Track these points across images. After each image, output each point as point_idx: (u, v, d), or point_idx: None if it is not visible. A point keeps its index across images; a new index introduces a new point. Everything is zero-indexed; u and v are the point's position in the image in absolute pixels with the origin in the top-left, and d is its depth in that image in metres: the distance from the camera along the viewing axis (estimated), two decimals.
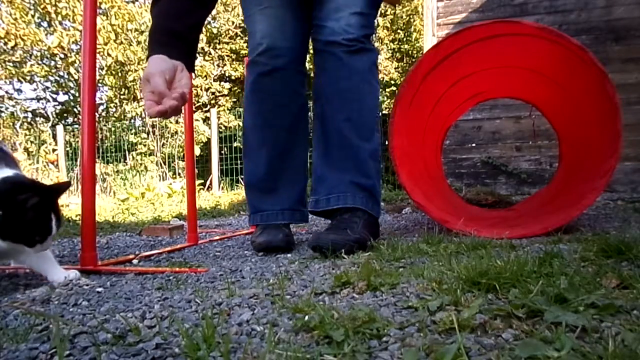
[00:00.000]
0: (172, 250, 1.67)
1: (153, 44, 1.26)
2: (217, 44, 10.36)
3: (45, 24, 9.55)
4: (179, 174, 7.50)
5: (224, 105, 10.00)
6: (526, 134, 3.90)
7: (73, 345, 0.64)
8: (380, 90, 9.03)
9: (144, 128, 8.73)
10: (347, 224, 1.43)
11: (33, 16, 8.82)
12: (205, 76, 9.77)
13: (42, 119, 10.37)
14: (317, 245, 1.32)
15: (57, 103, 11.06)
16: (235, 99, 10.23)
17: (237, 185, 6.86)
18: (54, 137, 7.98)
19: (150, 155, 8.19)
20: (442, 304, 0.71)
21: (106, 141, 8.33)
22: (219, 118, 7.95)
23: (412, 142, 2.02)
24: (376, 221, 1.59)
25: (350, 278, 0.90)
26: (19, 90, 13.52)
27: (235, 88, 10.20)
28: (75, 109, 10.78)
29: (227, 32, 10.27)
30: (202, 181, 7.01)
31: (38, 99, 10.78)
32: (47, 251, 1.14)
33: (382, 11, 9.91)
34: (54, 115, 10.62)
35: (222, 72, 10.28)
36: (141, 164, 7.95)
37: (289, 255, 1.44)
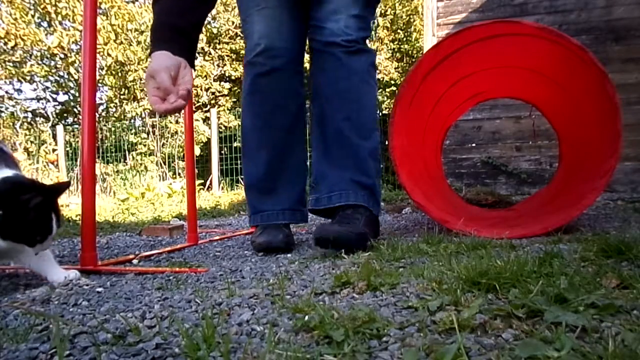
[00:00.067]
0: (172, 250, 1.67)
1: (156, 40, 1.27)
2: (217, 44, 10.35)
3: (45, 24, 9.55)
4: (179, 174, 7.50)
5: (224, 105, 9.99)
6: (526, 134, 3.90)
7: (73, 345, 0.64)
8: (380, 90, 9.04)
9: (144, 128, 8.73)
10: (349, 219, 1.44)
11: (33, 16, 8.82)
12: (205, 76, 9.76)
13: (42, 119, 10.37)
14: (321, 237, 1.31)
15: (57, 103, 11.07)
16: (235, 99, 10.23)
17: (237, 185, 6.86)
18: (54, 137, 7.99)
19: (150, 155, 8.19)
20: (442, 304, 0.71)
21: (106, 141, 8.33)
22: (219, 118, 7.95)
23: (412, 142, 2.02)
24: (377, 220, 1.60)
25: (350, 278, 0.90)
26: (19, 90, 13.52)
27: (235, 88, 10.19)
28: (75, 109, 10.78)
29: (227, 32, 10.27)
30: (202, 181, 7.01)
31: (38, 99, 10.79)
32: (46, 251, 1.14)
33: (382, 11, 9.90)
34: (54, 115, 10.61)
35: (222, 72, 10.28)
36: (141, 164, 7.95)
37: (289, 255, 1.44)
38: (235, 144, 7.40)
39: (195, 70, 1.32)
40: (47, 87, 10.48)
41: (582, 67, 1.67)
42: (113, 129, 8.65)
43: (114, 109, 10.52)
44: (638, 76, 3.63)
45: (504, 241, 1.34)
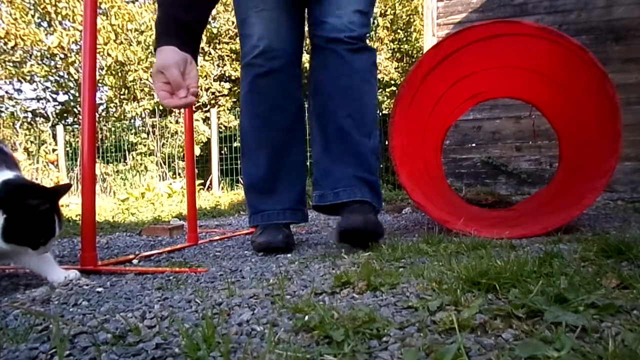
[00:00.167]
0: (172, 250, 1.67)
1: (161, 34, 1.28)
2: (217, 44, 10.35)
3: (45, 24, 9.55)
4: (179, 174, 7.50)
5: (224, 105, 9.99)
6: (526, 134, 3.90)
7: (73, 345, 0.64)
8: (380, 90, 9.03)
9: (144, 128, 8.73)
10: (362, 212, 1.44)
11: (33, 16, 8.82)
12: (205, 76, 9.76)
13: (42, 119, 10.37)
14: (346, 230, 1.35)
15: (57, 103, 11.06)
16: (235, 99, 10.22)
17: (237, 185, 6.86)
18: (54, 137, 7.99)
19: (150, 155, 8.19)
20: (442, 304, 0.71)
21: (106, 141, 8.33)
22: (219, 118, 7.94)
23: (412, 142, 2.02)
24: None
25: (350, 278, 0.90)
26: (19, 90, 13.51)
27: (235, 88, 10.18)
28: (75, 109, 10.78)
29: (227, 32, 10.27)
30: (202, 181, 7.01)
31: (38, 99, 10.78)
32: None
33: (382, 11, 9.91)
34: (54, 115, 10.61)
35: (222, 72, 10.28)
36: (141, 164, 7.95)
37: (289, 255, 1.44)
38: (235, 144, 7.40)
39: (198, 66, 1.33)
40: (47, 87, 10.48)
41: (582, 67, 1.68)
42: (113, 129, 8.65)
43: (114, 109, 10.52)
44: (638, 76, 3.63)
45: (504, 241, 1.34)
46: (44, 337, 0.68)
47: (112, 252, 1.76)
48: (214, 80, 10.10)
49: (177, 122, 8.01)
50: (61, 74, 9.97)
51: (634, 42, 3.67)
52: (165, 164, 7.81)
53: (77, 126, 9.17)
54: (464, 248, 1.24)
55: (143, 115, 9.35)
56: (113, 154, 8.20)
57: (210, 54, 10.21)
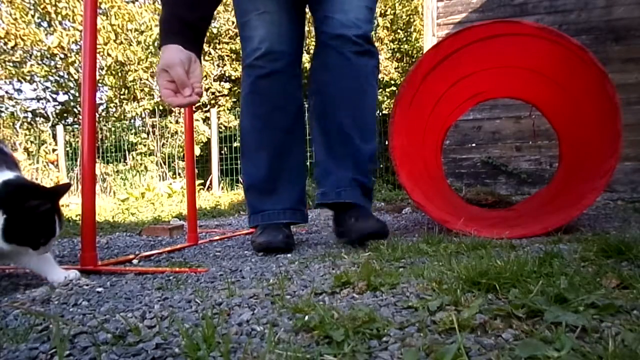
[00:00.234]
0: (172, 250, 1.67)
1: (166, 32, 1.28)
2: (217, 44, 10.35)
3: (45, 24, 9.54)
4: (179, 174, 7.50)
5: (224, 105, 9.99)
6: (526, 134, 3.90)
7: (73, 345, 0.64)
8: (380, 90, 9.03)
9: (144, 128, 8.73)
10: (368, 215, 1.53)
11: (33, 16, 8.81)
12: (205, 76, 9.76)
13: (42, 119, 10.36)
14: (361, 237, 1.44)
15: (57, 103, 11.06)
16: (235, 99, 10.22)
17: (237, 185, 6.86)
18: (54, 137, 7.99)
19: (150, 155, 8.19)
20: (442, 304, 0.71)
21: (106, 141, 8.33)
22: (219, 118, 7.94)
23: (412, 142, 2.02)
24: None
25: (350, 278, 0.90)
26: (19, 90, 13.50)
27: (235, 88, 10.19)
28: (75, 109, 10.77)
29: (227, 32, 10.27)
30: (202, 181, 7.01)
31: (38, 99, 10.77)
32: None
33: (382, 11, 9.90)
34: (54, 115, 10.61)
35: (222, 72, 10.28)
36: (141, 164, 7.95)
37: (289, 255, 1.44)
38: (235, 144, 7.40)
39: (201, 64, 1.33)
40: (47, 87, 10.48)
41: (582, 67, 1.68)
42: (113, 129, 8.65)
43: (114, 109, 10.51)
44: (638, 76, 3.63)
45: (504, 241, 1.34)
46: (44, 337, 0.68)
47: (112, 252, 1.76)
48: (214, 80, 10.10)
49: (177, 122, 8.01)
50: (61, 74, 9.97)
51: (634, 42, 3.67)
52: (165, 164, 7.81)
53: (77, 126, 9.17)
54: (464, 248, 1.24)
55: (143, 115, 9.35)
56: (113, 154, 8.20)
57: (210, 54, 10.21)
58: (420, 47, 8.87)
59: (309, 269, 1.15)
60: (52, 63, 9.72)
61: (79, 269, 1.22)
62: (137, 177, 7.39)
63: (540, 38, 1.73)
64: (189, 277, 1.14)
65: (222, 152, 7.49)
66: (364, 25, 1.52)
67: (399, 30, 10.11)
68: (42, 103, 10.85)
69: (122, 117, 9.74)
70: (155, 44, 8.79)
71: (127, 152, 8.22)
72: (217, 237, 2.03)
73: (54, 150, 7.67)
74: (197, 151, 7.59)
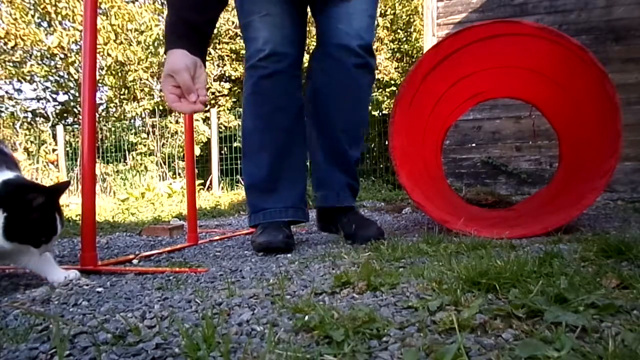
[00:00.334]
0: (172, 250, 1.67)
1: (172, 36, 1.28)
2: (217, 44, 10.35)
3: (45, 24, 9.55)
4: (179, 174, 7.50)
5: (224, 105, 9.98)
6: (526, 134, 3.90)
7: (73, 345, 0.64)
8: (380, 90, 9.03)
9: (144, 128, 8.73)
10: (361, 218, 1.68)
11: (33, 16, 8.82)
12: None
13: (42, 119, 10.36)
14: (366, 242, 1.52)
15: (57, 103, 11.06)
16: (235, 99, 10.22)
17: (237, 185, 6.86)
18: (54, 137, 7.99)
19: (150, 155, 8.19)
20: (442, 304, 0.71)
21: (106, 141, 8.33)
22: (219, 118, 7.94)
23: (412, 142, 2.02)
24: None
25: (350, 278, 0.90)
26: (19, 90, 13.49)
27: (235, 88, 10.19)
28: (75, 109, 10.77)
29: (227, 32, 10.26)
30: (202, 181, 7.01)
31: (38, 99, 10.77)
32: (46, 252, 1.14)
33: (382, 11, 9.90)
34: (54, 115, 10.61)
35: (222, 72, 10.28)
36: (141, 164, 7.95)
37: (289, 255, 1.44)
38: (235, 144, 7.40)
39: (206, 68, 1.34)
40: (47, 87, 10.48)
41: (582, 67, 1.67)
42: (113, 129, 8.65)
43: (114, 109, 10.51)
44: (638, 76, 3.63)
45: (504, 241, 1.34)
46: (44, 337, 0.68)
47: (112, 252, 1.76)
48: (214, 80, 10.10)
49: (177, 122, 8.01)
50: (61, 74, 9.97)
51: (634, 42, 3.67)
52: (165, 164, 7.81)
53: (77, 126, 9.17)
54: (464, 248, 1.24)
55: (143, 115, 9.35)
56: (113, 154, 8.20)
57: (210, 54, 10.20)
58: (420, 47, 8.87)
59: (309, 269, 1.15)
60: (52, 63, 9.72)
61: (79, 269, 1.22)
62: (137, 177, 7.39)
63: (540, 38, 1.73)
64: (189, 277, 1.14)
65: (222, 152, 7.49)
66: (367, 35, 1.57)
67: (399, 30, 10.11)
68: (42, 103, 10.86)
69: (122, 117, 9.73)
70: (155, 44, 8.80)
71: (127, 152, 8.22)
72: (217, 237, 2.03)
73: (54, 150, 7.67)
74: (197, 151, 7.60)
